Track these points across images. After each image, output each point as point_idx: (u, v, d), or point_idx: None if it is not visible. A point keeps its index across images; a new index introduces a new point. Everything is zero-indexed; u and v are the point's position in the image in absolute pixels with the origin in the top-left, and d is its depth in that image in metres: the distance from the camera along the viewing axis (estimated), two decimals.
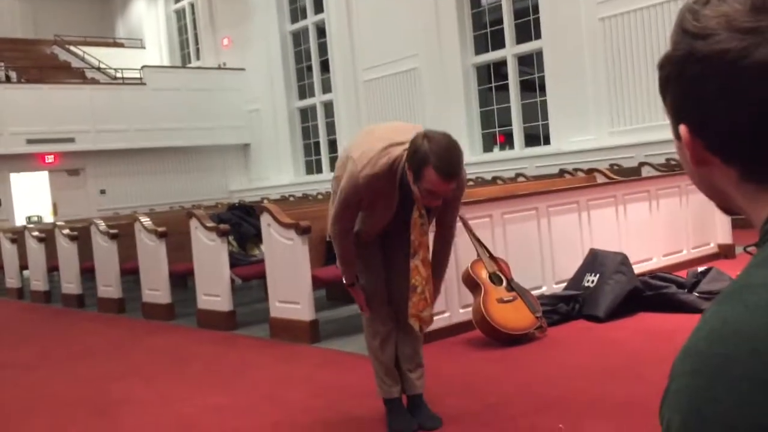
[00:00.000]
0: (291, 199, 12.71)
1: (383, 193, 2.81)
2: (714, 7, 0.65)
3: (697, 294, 4.79)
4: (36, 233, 9.01)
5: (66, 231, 8.26)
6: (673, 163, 8.73)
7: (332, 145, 16.53)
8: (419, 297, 2.89)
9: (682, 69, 0.66)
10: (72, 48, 20.50)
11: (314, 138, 17.26)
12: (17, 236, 9.65)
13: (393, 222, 2.95)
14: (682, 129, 0.67)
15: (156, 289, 6.66)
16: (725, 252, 6.59)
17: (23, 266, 9.50)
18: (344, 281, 3.06)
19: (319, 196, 12.27)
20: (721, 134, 0.65)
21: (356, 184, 2.76)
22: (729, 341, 0.57)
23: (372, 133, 2.99)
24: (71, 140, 15.77)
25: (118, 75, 18.40)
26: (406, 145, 2.73)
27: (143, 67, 17.74)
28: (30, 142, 15.28)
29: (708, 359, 0.58)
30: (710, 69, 0.64)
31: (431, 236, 3.05)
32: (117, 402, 4.00)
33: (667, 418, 0.60)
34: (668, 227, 6.23)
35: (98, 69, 19.38)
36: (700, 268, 5.15)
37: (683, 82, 0.67)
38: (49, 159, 15.95)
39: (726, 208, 0.73)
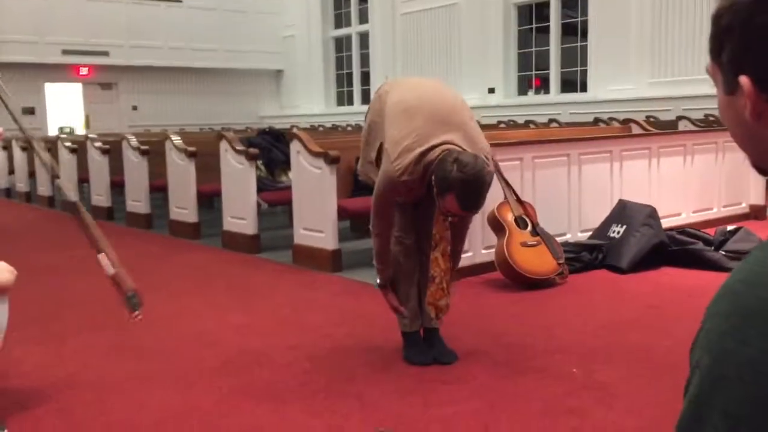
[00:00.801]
0: (320, 129, 12.67)
1: (417, 186, 2.86)
2: None
3: (723, 252, 4.76)
4: (68, 144, 9.12)
5: (98, 144, 8.34)
6: (711, 118, 8.53)
7: (365, 78, 16.34)
8: (437, 287, 3.05)
9: (749, 17, 0.64)
10: None
11: (347, 69, 17.06)
12: (50, 146, 9.76)
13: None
14: (744, 80, 0.65)
15: (183, 207, 6.75)
16: (756, 213, 6.50)
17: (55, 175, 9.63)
18: (378, 281, 3.12)
19: (349, 128, 12.21)
20: None
21: (393, 183, 2.81)
22: (765, 284, 0.57)
23: (413, 115, 2.82)
24: (105, 54, 15.76)
25: None
26: (443, 147, 2.73)
27: None
28: (65, 52, 15.29)
29: (743, 301, 0.58)
30: None
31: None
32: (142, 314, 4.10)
33: (698, 357, 0.60)
34: (701, 184, 6.14)
35: None
36: (729, 227, 5.10)
37: (749, 31, 0.64)
38: (84, 71, 15.98)
39: (764, 166, 0.72)
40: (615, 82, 11.10)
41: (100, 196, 8.34)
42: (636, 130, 6.76)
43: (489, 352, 3.26)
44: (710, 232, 5.22)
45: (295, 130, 5.77)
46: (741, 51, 0.65)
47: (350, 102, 16.90)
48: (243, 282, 4.90)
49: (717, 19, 0.68)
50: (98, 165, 8.33)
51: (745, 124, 0.68)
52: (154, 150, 7.33)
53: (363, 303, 4.17)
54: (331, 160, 5.01)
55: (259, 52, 17.69)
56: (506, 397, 2.74)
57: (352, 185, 5.41)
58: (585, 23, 11.72)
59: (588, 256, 4.80)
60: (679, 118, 8.52)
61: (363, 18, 16.23)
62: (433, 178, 2.72)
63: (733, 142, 0.73)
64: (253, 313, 4.07)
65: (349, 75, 16.97)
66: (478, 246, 4.72)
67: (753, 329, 0.56)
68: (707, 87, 8.24)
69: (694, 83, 9.73)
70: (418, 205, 3.08)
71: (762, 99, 0.65)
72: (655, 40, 10.61)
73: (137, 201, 7.57)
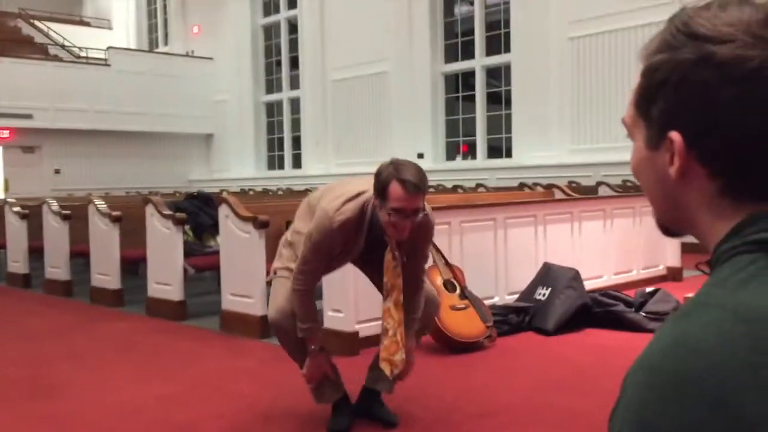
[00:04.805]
0: (251, 192, 12.61)
1: (352, 237, 2.75)
2: (726, 13, 0.63)
3: (643, 314, 4.90)
4: None
5: (16, 208, 8.06)
6: (629, 184, 8.90)
7: (296, 142, 16.46)
8: (391, 340, 2.80)
9: (689, 73, 0.63)
10: (36, 23, 20.03)
11: (278, 133, 17.16)
12: None
13: (367, 261, 2.96)
14: (676, 136, 0.64)
15: (106, 273, 6.54)
16: (673, 275, 6.75)
17: None
18: (311, 346, 2.91)
19: (280, 192, 12.20)
20: (724, 143, 0.63)
21: (330, 228, 2.69)
22: (683, 357, 0.58)
23: (341, 185, 2.91)
24: (29, 116, 15.41)
25: (83, 54, 18.03)
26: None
27: (109, 48, 17.43)
28: None
29: (661, 373, 0.58)
30: (727, 75, 0.61)
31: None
32: (57, 385, 3.92)
33: (618, 427, 0.60)
34: (620, 247, 6.35)
35: (62, 46, 18.98)
36: (648, 289, 5.26)
37: (687, 88, 0.63)
38: (4, 134, 15.55)
39: (671, 227, 0.72)
40: (538, 148, 11.51)
41: (17, 263, 8.00)
42: (558, 195, 6.99)
43: (419, 416, 3.23)
44: (630, 293, 5.38)
45: (224, 194, 5.72)
46: (675, 106, 0.64)
47: (281, 166, 16.95)
48: (167, 350, 4.74)
49: (651, 72, 0.66)
50: (16, 230, 8.02)
51: (663, 181, 0.68)
52: (76, 214, 7.11)
53: (290, 370, 4.06)
54: (260, 225, 4.98)
55: (189, 116, 17.63)
56: None
57: None
58: (509, 93, 12.20)
59: (515, 319, 4.87)
60: (599, 183, 8.86)
61: (294, 84, 16.46)
62: (373, 195, 2.67)
63: (650, 206, 0.72)
64: (177, 382, 3.93)
65: (281, 139, 17.06)
66: None
67: (671, 401, 0.57)
68: (625, 154, 8.64)
69: (612, 150, 10.18)
70: (366, 262, 3.02)
71: (691, 156, 0.65)
72: (575, 108, 11.11)
73: (56, 267, 7.29)
